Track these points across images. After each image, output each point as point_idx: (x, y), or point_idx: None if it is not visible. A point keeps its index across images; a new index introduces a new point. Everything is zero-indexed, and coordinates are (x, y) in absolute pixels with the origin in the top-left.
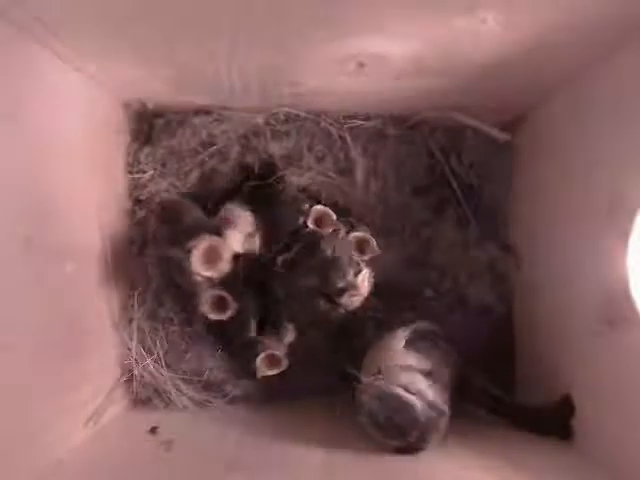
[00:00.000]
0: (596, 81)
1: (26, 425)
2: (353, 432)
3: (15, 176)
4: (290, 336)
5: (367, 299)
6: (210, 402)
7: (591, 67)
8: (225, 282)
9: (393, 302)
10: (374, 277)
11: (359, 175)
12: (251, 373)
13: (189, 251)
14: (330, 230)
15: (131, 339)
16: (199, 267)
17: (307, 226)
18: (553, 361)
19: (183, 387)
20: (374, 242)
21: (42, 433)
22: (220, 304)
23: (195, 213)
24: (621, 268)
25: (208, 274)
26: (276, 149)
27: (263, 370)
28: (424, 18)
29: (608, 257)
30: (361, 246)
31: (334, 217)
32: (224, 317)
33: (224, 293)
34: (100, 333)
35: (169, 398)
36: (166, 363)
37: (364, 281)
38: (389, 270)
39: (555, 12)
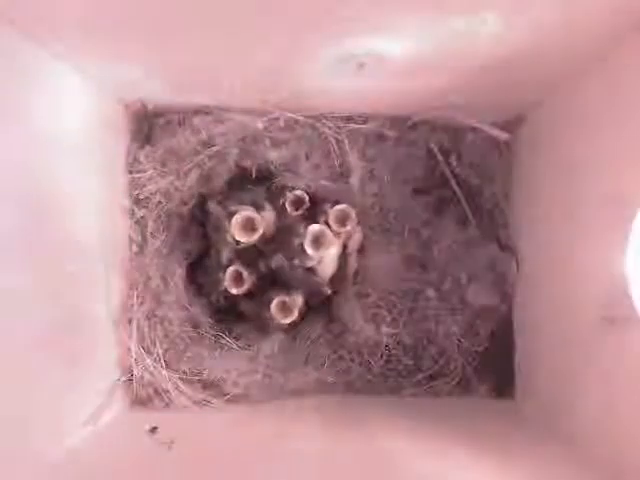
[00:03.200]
0: (596, 81)
1: (26, 425)
2: (354, 430)
3: (15, 176)
4: (299, 297)
5: None
6: (210, 402)
7: (590, 67)
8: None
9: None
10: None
11: (357, 178)
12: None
13: (232, 214)
14: (300, 212)
15: (130, 339)
16: (237, 231)
17: (286, 209)
18: (553, 361)
19: (183, 387)
20: (354, 213)
21: (42, 433)
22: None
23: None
24: (621, 268)
25: (243, 239)
26: (274, 157)
27: (279, 317)
28: (424, 18)
29: (608, 257)
30: (343, 219)
31: (307, 200)
32: (241, 291)
33: (241, 268)
34: (100, 333)
35: (169, 398)
36: (166, 363)
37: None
38: (389, 270)
39: (554, 12)
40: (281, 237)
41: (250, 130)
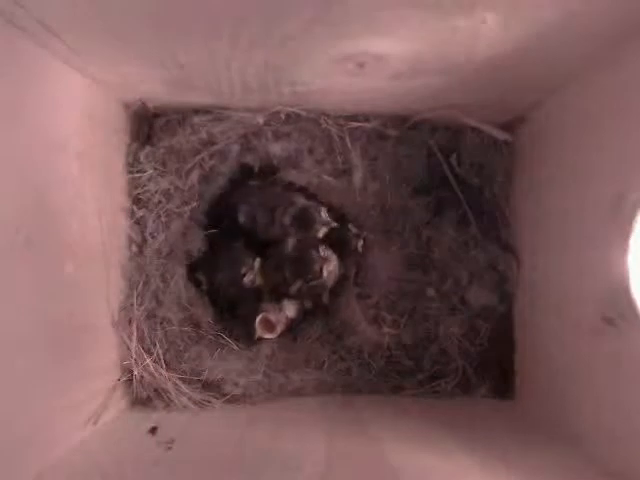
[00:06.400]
0: (596, 80)
1: (26, 425)
2: (354, 431)
3: (15, 176)
4: (291, 310)
5: None
6: (210, 402)
7: (591, 67)
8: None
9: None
10: None
11: (359, 177)
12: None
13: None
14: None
15: (130, 339)
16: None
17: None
18: (553, 361)
19: (183, 387)
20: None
21: (42, 433)
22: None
23: None
24: (621, 268)
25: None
26: (277, 149)
27: (260, 332)
28: (424, 18)
29: (608, 257)
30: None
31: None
32: None
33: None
34: (100, 333)
35: (169, 398)
36: (165, 363)
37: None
38: (390, 270)
39: (555, 12)
40: (299, 263)
41: (251, 126)
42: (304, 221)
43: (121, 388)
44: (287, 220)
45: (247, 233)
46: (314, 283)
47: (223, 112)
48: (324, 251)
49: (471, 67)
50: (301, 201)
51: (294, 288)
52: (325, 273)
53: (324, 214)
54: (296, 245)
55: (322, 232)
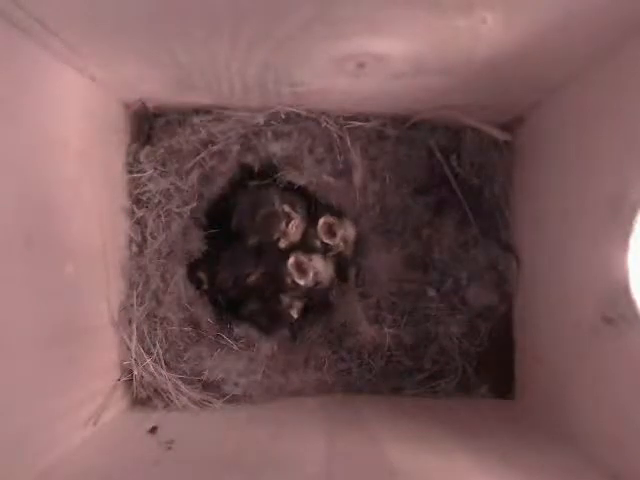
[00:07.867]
0: (596, 80)
1: (26, 425)
2: (354, 431)
3: (15, 176)
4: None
5: None
6: (210, 402)
7: (591, 67)
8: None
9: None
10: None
11: (359, 177)
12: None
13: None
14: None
15: (130, 339)
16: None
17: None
18: (553, 361)
19: (183, 387)
20: (345, 223)
21: (42, 433)
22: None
23: None
24: (621, 268)
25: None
26: (277, 149)
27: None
28: (424, 18)
29: (608, 257)
30: (331, 229)
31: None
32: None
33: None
34: (99, 333)
35: (169, 398)
36: (165, 363)
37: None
38: (390, 270)
39: (555, 12)
40: (274, 280)
41: (251, 126)
42: (265, 224)
43: (121, 388)
44: (258, 220)
45: (241, 236)
46: (302, 289)
47: (223, 112)
48: (296, 260)
49: (471, 67)
50: (282, 207)
51: (285, 299)
52: (305, 281)
53: (291, 225)
54: (266, 261)
55: (284, 243)
